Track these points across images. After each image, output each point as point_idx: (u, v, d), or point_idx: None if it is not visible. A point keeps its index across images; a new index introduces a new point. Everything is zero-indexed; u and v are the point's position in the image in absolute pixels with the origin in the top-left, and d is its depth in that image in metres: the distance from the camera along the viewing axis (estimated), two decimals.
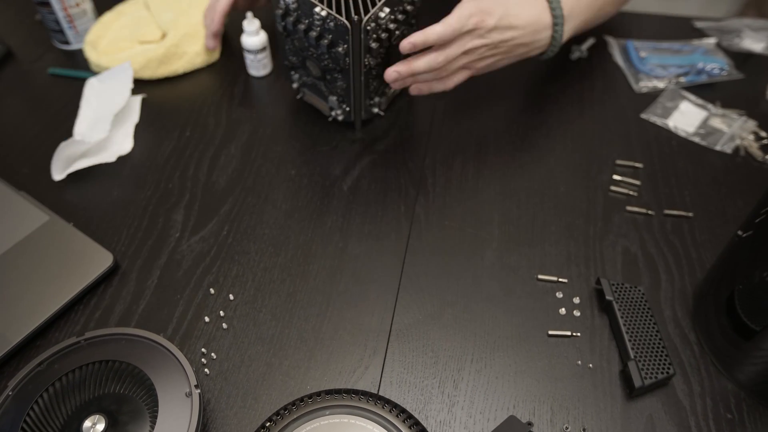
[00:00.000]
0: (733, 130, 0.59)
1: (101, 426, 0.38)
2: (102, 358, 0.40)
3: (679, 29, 0.72)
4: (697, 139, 0.59)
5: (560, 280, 0.48)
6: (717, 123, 0.60)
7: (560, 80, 0.66)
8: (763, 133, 0.59)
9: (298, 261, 0.50)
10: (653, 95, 0.64)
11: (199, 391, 0.39)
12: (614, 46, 0.69)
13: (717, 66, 0.64)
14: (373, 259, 0.50)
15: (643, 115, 0.61)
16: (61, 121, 0.62)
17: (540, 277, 0.48)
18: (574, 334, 0.45)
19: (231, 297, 0.47)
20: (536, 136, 0.60)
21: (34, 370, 0.40)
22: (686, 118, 0.60)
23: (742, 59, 0.68)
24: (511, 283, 0.48)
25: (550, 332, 0.45)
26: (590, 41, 0.69)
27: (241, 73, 0.67)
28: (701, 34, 0.71)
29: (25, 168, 0.57)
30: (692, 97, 0.63)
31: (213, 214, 0.53)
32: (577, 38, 0.70)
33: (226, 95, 0.64)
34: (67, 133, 0.60)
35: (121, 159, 0.58)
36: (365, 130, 0.60)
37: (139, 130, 0.61)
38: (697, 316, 0.46)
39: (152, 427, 0.38)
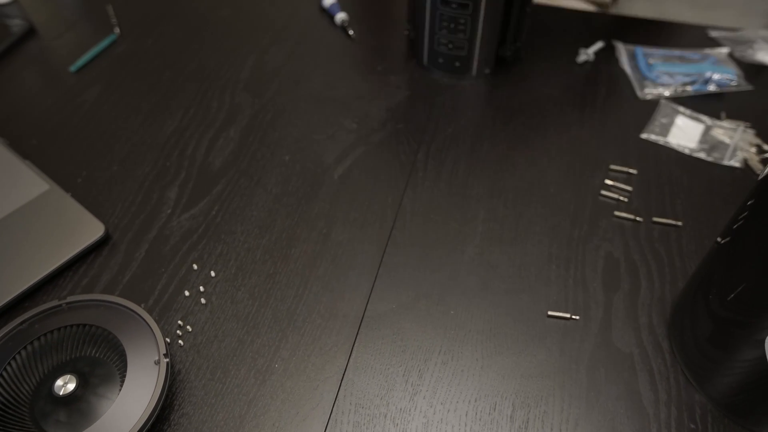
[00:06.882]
0: (735, 141, 0.58)
1: (72, 385, 0.39)
2: (80, 321, 0.42)
3: (693, 37, 0.71)
4: (702, 155, 0.58)
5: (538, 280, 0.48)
6: (719, 135, 0.59)
7: (564, 82, 0.65)
8: (766, 146, 0.58)
9: (282, 244, 0.51)
10: (657, 103, 0.63)
11: (167, 360, 0.40)
12: (622, 51, 0.68)
13: (725, 76, 0.63)
14: (354, 247, 0.51)
15: (643, 135, 0.60)
16: (73, 95, 0.64)
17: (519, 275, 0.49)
18: (546, 334, 0.45)
19: (213, 274, 0.49)
20: (532, 136, 0.60)
21: (16, 328, 0.42)
22: (685, 133, 0.59)
23: (754, 71, 0.66)
24: (489, 280, 0.49)
25: (522, 330, 0.45)
26: (599, 45, 0.69)
27: (249, 58, 0.68)
28: (715, 43, 0.70)
29: (33, 139, 0.59)
30: (687, 110, 0.62)
31: (205, 194, 0.55)
32: (586, 41, 0.70)
33: (232, 79, 0.66)
34: (77, 107, 0.63)
35: (125, 136, 0.60)
36: (361, 120, 0.61)
37: (146, 107, 0.63)
38: (673, 324, 0.45)
39: (120, 391, 0.39)
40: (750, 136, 0.59)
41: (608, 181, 0.55)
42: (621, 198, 0.54)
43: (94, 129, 0.61)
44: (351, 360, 0.44)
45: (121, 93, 0.65)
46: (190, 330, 0.45)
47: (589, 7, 0.84)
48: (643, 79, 0.65)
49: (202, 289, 0.48)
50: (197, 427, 0.41)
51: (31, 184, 0.53)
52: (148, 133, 0.60)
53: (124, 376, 0.40)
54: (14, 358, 0.40)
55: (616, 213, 0.53)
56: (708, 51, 0.68)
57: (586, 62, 0.67)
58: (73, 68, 0.67)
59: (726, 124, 0.60)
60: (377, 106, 0.63)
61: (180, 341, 0.45)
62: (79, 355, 0.42)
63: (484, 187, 0.55)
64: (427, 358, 0.44)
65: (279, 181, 0.56)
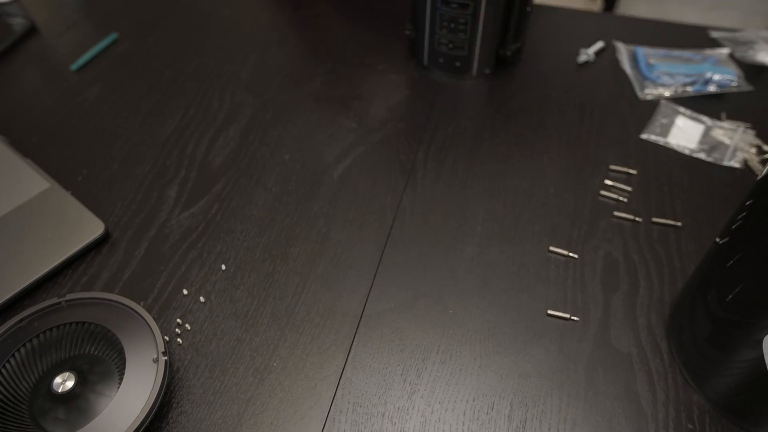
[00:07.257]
0: (735, 141, 0.58)
1: (71, 383, 0.39)
2: (79, 319, 0.42)
3: (693, 38, 0.71)
4: (702, 156, 0.58)
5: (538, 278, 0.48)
6: (719, 135, 0.59)
7: (564, 82, 0.65)
8: (766, 147, 0.58)
9: (281, 243, 0.51)
10: (657, 103, 0.63)
11: (165, 358, 0.40)
12: (623, 51, 0.68)
13: (726, 77, 0.63)
14: (353, 246, 0.51)
15: (643, 136, 0.60)
16: (74, 94, 0.64)
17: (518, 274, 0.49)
18: (544, 334, 0.45)
19: (212, 272, 0.49)
20: (532, 136, 0.60)
21: (16, 325, 0.42)
22: (685, 133, 0.59)
23: (755, 72, 0.66)
24: (488, 279, 0.49)
25: (520, 330, 0.45)
26: (599, 45, 0.69)
27: (249, 58, 0.68)
28: (716, 44, 0.70)
29: (34, 137, 0.60)
30: (687, 111, 0.61)
31: (205, 192, 0.55)
32: (586, 41, 0.70)
33: (233, 79, 0.66)
34: (78, 106, 0.63)
35: (125, 135, 0.60)
36: (361, 120, 0.61)
37: (146, 106, 0.63)
38: (672, 325, 0.45)
39: (119, 389, 0.39)
40: (750, 136, 0.59)
41: (608, 182, 0.55)
42: (620, 198, 0.54)
43: (95, 128, 0.61)
44: (349, 359, 0.44)
45: (122, 92, 0.65)
46: (189, 328, 0.46)
47: (590, 7, 0.84)
48: (643, 79, 0.65)
49: (201, 287, 0.48)
50: (195, 425, 0.41)
51: (32, 182, 0.54)
52: (148, 132, 0.60)
53: (123, 373, 0.40)
54: (13, 355, 0.41)
55: (616, 213, 0.53)
56: (708, 51, 0.68)
57: (586, 62, 0.68)
58: (74, 67, 0.67)
59: (726, 124, 0.60)
60: (377, 106, 0.63)
61: (179, 339, 0.45)
62: (78, 352, 0.42)
63: (483, 186, 0.55)
64: (425, 358, 0.44)
65: (279, 180, 0.56)
